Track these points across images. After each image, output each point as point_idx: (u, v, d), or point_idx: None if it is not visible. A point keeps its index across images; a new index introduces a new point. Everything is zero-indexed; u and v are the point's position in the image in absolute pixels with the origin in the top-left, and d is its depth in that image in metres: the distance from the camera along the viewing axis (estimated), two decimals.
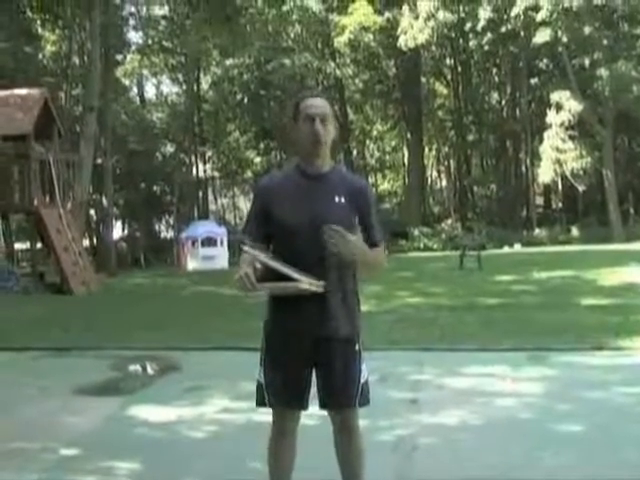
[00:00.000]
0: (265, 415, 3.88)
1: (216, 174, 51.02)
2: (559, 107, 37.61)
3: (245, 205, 54.47)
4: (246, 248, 3.54)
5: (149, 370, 8.65)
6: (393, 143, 54.56)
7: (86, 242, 36.37)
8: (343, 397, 3.65)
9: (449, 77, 50.88)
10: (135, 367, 8.80)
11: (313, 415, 3.89)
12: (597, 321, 11.03)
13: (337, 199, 3.62)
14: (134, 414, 6.68)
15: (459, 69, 49.62)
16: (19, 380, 8.40)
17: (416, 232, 40.90)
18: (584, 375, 7.74)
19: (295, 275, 3.41)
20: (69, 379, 8.14)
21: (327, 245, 3.42)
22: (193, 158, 47.80)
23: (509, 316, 11.96)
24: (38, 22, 36.10)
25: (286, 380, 3.61)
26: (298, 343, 3.60)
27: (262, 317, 3.78)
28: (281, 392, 3.63)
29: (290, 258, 3.49)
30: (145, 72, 49.94)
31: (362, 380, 3.68)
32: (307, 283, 3.41)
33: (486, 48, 42.15)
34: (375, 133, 52.66)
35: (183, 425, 6.27)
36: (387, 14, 40.41)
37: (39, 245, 22.43)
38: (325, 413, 3.76)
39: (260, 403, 3.73)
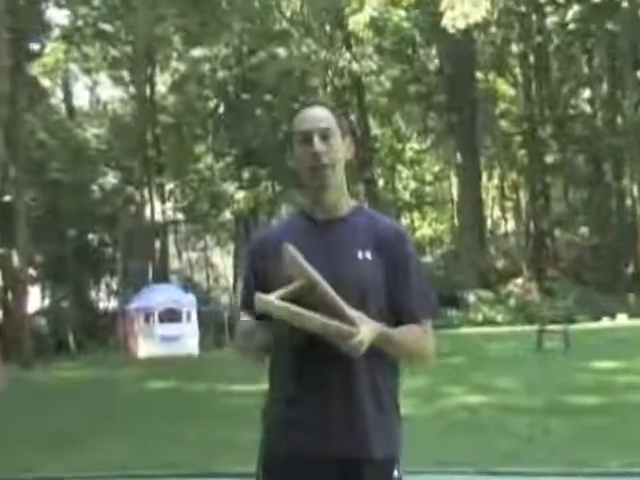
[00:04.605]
0: None
1: (180, 217, 51.31)
2: None
3: (223, 261, 54.77)
4: (261, 297, 3.40)
5: None
6: (436, 168, 54.94)
7: None
8: None
9: (517, 71, 51.26)
10: None
11: None
12: None
13: (361, 254, 3.51)
14: None
15: (532, 59, 49.94)
16: None
17: (472, 297, 40.98)
18: None
19: (333, 322, 3.20)
20: None
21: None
22: (146, 193, 48.01)
23: (612, 423, 11.89)
24: None
25: None
26: (313, 468, 3.45)
27: (258, 428, 3.62)
28: None
29: (299, 335, 3.32)
30: (74, 68, 50.37)
31: None
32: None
33: (571, 27, 42.43)
34: (410, 154, 52.96)
35: None
36: None
37: None
38: None
39: None
